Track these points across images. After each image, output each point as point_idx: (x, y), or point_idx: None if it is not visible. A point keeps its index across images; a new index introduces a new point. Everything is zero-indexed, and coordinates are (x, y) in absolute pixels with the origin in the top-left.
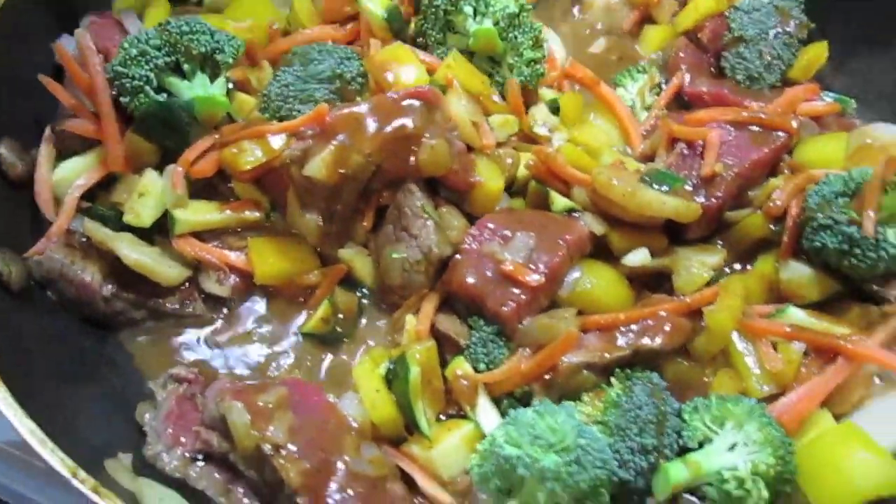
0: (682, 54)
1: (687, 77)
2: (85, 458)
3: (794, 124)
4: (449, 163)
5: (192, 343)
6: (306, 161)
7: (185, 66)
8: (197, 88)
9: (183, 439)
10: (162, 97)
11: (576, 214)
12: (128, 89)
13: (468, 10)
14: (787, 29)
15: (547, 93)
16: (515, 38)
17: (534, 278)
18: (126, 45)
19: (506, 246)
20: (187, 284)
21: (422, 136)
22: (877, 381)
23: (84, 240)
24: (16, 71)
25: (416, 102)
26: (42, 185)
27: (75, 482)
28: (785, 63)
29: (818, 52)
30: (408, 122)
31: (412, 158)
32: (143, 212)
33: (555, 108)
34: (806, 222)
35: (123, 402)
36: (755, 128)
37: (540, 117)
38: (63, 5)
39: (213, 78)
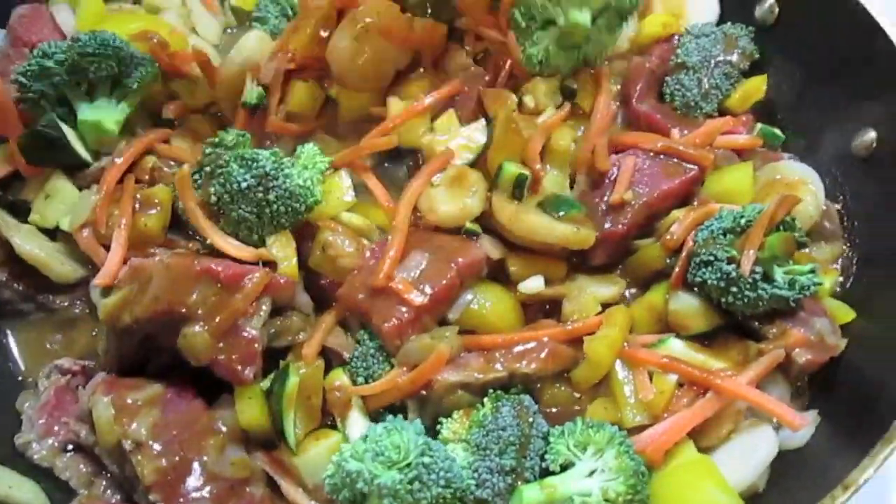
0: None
1: (636, 94)
2: None
3: (710, 157)
4: (203, 357)
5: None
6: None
7: (88, 86)
8: (87, 111)
9: (56, 429)
10: (51, 116)
11: (474, 238)
12: (27, 100)
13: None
14: (730, 58)
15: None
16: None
17: (418, 298)
18: (33, 56)
19: (400, 264)
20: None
21: (193, 319)
22: (747, 417)
23: None
24: None
25: (209, 285)
26: None
27: None
28: (723, 93)
29: (756, 86)
30: (185, 301)
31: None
32: (48, 214)
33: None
34: (692, 256)
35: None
36: (670, 158)
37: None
38: None
39: (118, 99)
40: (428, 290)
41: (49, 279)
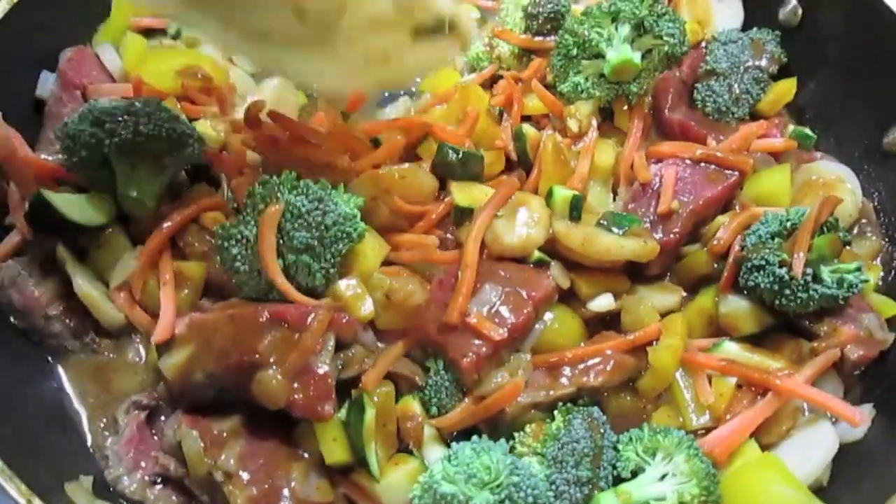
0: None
1: (668, 104)
2: (45, 484)
3: (750, 162)
4: (281, 400)
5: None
6: (167, 349)
7: (131, 159)
8: (128, 186)
9: (143, 463)
10: (40, 194)
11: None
12: (69, 160)
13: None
14: (759, 63)
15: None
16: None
17: (497, 332)
18: (86, 120)
19: (472, 297)
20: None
21: (265, 365)
22: (804, 412)
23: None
24: None
25: (277, 327)
26: (15, 210)
27: None
28: (753, 97)
29: (786, 88)
30: (256, 348)
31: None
32: (99, 262)
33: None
34: (742, 261)
35: (74, 427)
36: (710, 165)
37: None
38: (44, 40)
39: (159, 171)
40: (506, 324)
41: (97, 322)
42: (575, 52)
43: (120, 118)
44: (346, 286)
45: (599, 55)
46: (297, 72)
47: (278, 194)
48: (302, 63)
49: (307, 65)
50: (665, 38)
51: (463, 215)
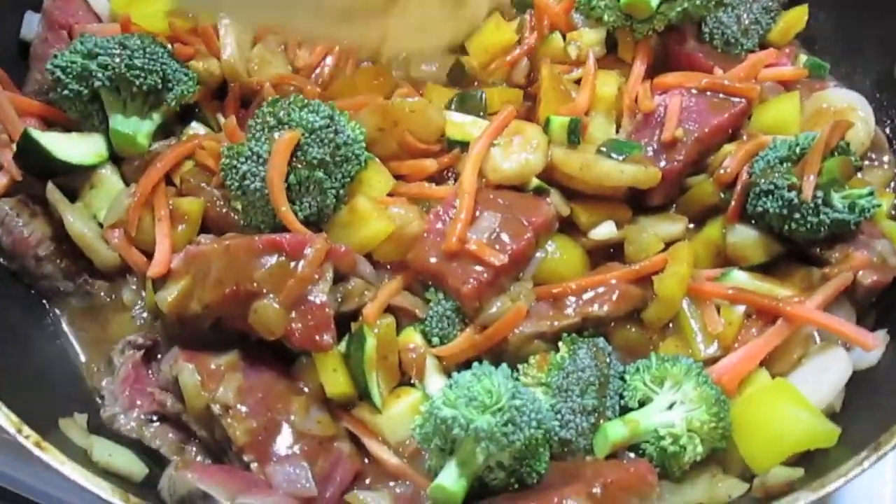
0: None
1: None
2: (38, 418)
3: (757, 89)
4: (278, 329)
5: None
6: (163, 284)
7: (123, 94)
8: (120, 122)
9: (139, 402)
10: (29, 131)
11: (544, 195)
12: (58, 93)
13: None
14: None
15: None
16: None
17: (498, 258)
18: (76, 51)
19: (471, 225)
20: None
21: (261, 295)
22: (816, 340)
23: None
24: None
25: (273, 257)
26: (2, 149)
27: (20, 438)
28: (763, 28)
29: (797, 17)
30: (253, 277)
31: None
32: (92, 203)
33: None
34: (750, 187)
35: (71, 369)
36: (716, 94)
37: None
38: None
39: (151, 108)
40: (506, 250)
41: (91, 263)
42: None
43: (113, 51)
44: (363, 201)
45: None
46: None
47: (290, 112)
48: (373, 31)
49: (378, 31)
50: None
51: (455, 149)
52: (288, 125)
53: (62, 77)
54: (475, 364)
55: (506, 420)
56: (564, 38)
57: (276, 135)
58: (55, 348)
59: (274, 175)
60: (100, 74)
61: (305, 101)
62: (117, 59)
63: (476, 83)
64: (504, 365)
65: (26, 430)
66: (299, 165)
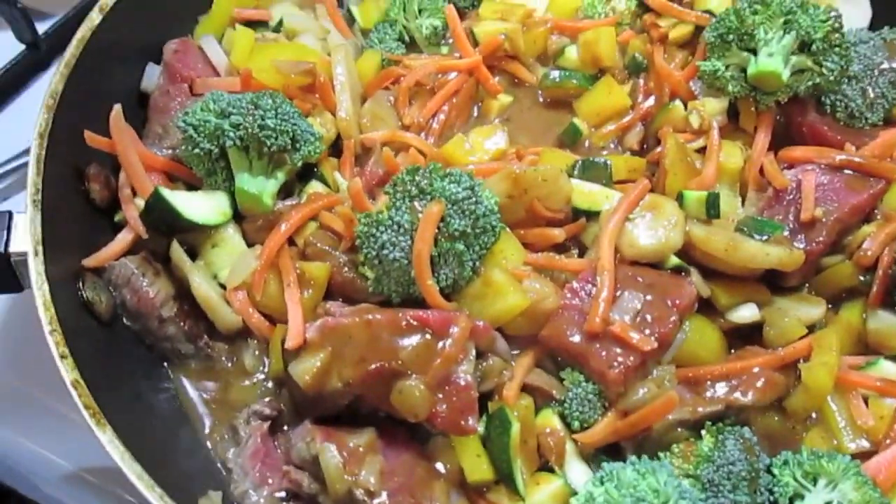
0: None
1: (797, 108)
2: (181, 498)
3: None
4: (423, 411)
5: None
6: (295, 355)
7: (251, 154)
8: (247, 181)
9: (270, 479)
10: (159, 190)
11: (684, 274)
12: (188, 150)
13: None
14: (895, 65)
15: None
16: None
17: (648, 344)
18: (208, 109)
19: (612, 304)
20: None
21: (405, 375)
22: None
23: (159, 264)
24: (102, 97)
25: (418, 335)
26: (128, 205)
27: None
28: (889, 101)
29: None
30: (398, 355)
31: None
32: (213, 262)
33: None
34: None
35: (196, 439)
36: (851, 172)
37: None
38: (146, 32)
39: (276, 167)
40: (654, 333)
41: (212, 325)
42: (731, 37)
43: (246, 110)
44: (498, 273)
45: (752, 51)
46: None
47: (433, 181)
48: None
49: None
50: (824, 71)
51: (579, 218)
52: (430, 195)
53: (194, 135)
54: (633, 458)
55: None
56: (685, 105)
57: (416, 204)
58: (178, 416)
59: (422, 248)
60: (231, 134)
61: (446, 170)
62: (250, 119)
63: (587, 146)
64: (667, 462)
65: None
66: (441, 237)
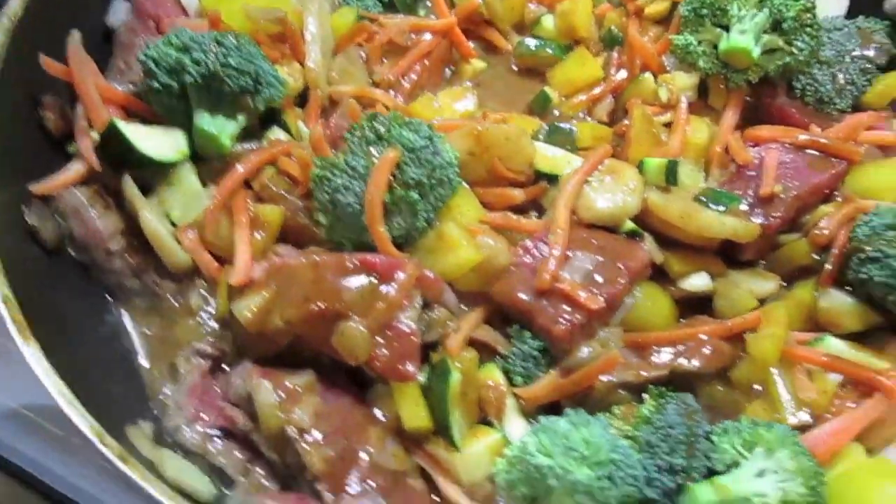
0: None
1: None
2: (107, 424)
3: (860, 152)
4: (362, 354)
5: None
6: (241, 293)
7: (213, 93)
8: (206, 121)
9: (204, 415)
10: (115, 122)
11: (638, 239)
12: (147, 85)
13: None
14: (867, 53)
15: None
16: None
17: (595, 302)
18: (171, 44)
19: (564, 264)
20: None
21: (348, 317)
22: None
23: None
24: (64, 27)
25: (363, 278)
26: (82, 137)
27: (101, 447)
28: (858, 89)
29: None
30: (342, 297)
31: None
32: (166, 200)
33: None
34: (852, 252)
35: (132, 371)
36: (815, 152)
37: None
38: None
39: (238, 110)
40: (602, 294)
41: (160, 263)
42: (705, 11)
43: (209, 47)
44: (453, 227)
45: (725, 28)
46: None
47: (391, 129)
48: None
49: None
50: (794, 51)
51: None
52: (388, 142)
53: (154, 69)
54: (568, 411)
55: (604, 475)
56: (656, 79)
57: (374, 150)
58: (117, 348)
59: (374, 193)
60: (192, 70)
61: (406, 118)
62: (212, 57)
63: (557, 115)
64: (602, 416)
65: (108, 439)
66: (395, 185)
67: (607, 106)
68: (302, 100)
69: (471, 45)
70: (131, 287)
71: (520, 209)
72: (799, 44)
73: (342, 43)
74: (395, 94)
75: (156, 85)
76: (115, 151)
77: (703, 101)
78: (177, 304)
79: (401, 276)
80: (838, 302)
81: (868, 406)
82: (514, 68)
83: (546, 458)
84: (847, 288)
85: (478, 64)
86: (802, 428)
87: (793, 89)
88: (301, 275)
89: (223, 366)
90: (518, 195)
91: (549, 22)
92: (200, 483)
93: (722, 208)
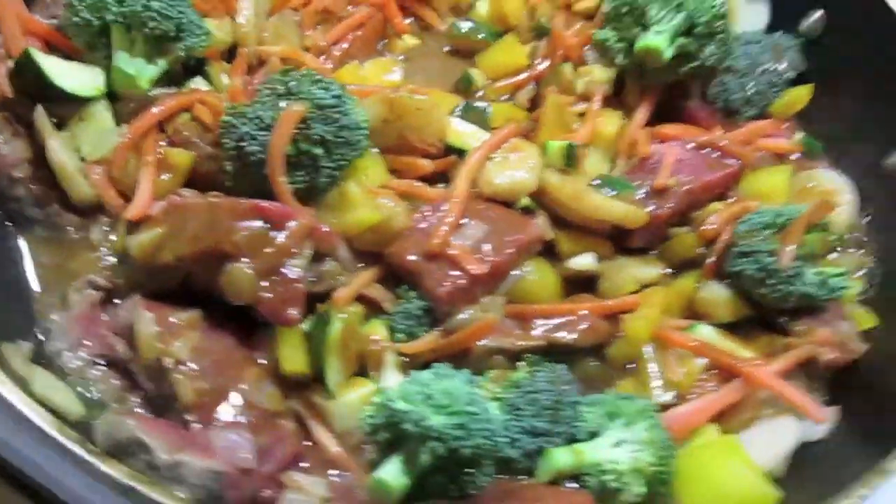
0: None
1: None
2: None
3: (754, 154)
4: (247, 294)
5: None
6: (137, 229)
7: (133, 34)
8: (124, 61)
9: (87, 342)
10: (31, 51)
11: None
12: (67, 19)
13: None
14: (779, 67)
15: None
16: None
17: (478, 267)
18: None
19: (456, 231)
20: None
21: (236, 258)
22: (769, 405)
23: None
24: None
25: (256, 222)
26: None
27: None
28: (767, 99)
29: (801, 95)
30: (231, 238)
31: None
32: (77, 135)
33: None
34: (730, 247)
35: (22, 296)
36: (713, 152)
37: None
38: None
39: (159, 54)
40: (487, 260)
41: (65, 196)
42: (626, 9)
43: None
44: (354, 186)
45: (644, 27)
46: None
47: (302, 84)
48: None
49: None
50: (703, 57)
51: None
52: (296, 96)
53: (75, 3)
54: (436, 364)
55: (459, 423)
56: (575, 70)
57: (282, 103)
58: (11, 273)
59: (277, 143)
60: (114, 9)
61: (318, 76)
62: None
63: (480, 96)
64: (466, 371)
65: None
66: (300, 139)
67: (529, 92)
68: (231, 56)
69: (406, 22)
70: (33, 216)
71: (429, 180)
72: (710, 51)
73: (278, 4)
74: (324, 60)
75: (76, 19)
76: (29, 80)
77: (619, 98)
78: (77, 238)
79: (292, 224)
80: (715, 293)
81: (727, 389)
82: (446, 49)
83: (406, 403)
84: (726, 281)
85: (410, 40)
86: (666, 407)
87: (706, 95)
88: (197, 214)
89: (115, 300)
90: (427, 165)
91: (482, 7)
92: (70, 402)
93: (613, 192)
